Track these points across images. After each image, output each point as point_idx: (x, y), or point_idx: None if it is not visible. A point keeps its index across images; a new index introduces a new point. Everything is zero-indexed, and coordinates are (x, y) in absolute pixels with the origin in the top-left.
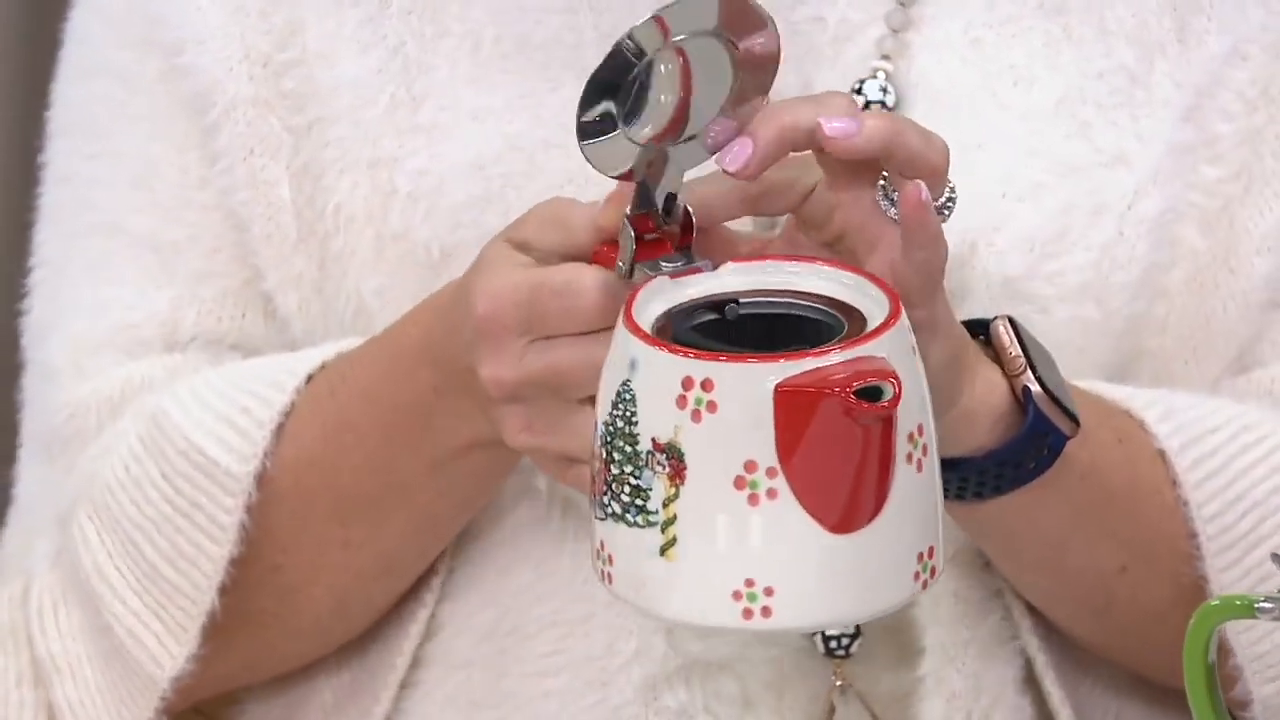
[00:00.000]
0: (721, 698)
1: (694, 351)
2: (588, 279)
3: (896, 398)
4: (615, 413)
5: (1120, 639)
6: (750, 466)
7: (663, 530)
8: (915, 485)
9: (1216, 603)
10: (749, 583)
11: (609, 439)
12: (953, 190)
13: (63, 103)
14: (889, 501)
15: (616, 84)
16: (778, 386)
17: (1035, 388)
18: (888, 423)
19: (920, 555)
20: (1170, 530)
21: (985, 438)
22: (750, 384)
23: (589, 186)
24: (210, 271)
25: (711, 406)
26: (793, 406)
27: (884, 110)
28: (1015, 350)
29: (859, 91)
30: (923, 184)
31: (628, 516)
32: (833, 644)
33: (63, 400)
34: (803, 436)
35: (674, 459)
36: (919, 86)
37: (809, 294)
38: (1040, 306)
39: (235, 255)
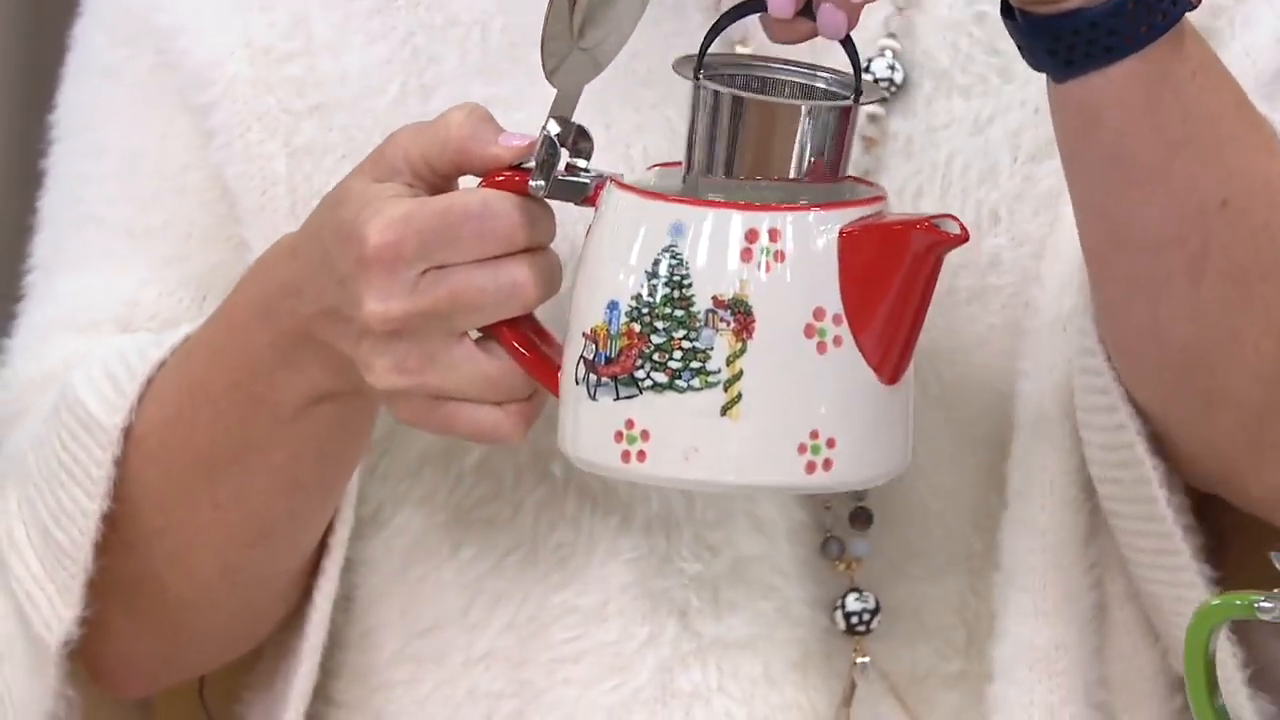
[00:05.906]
0: (741, 677)
1: (756, 205)
2: (505, 200)
3: (965, 230)
4: (654, 282)
5: (1213, 310)
6: (819, 314)
7: (725, 388)
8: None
9: (1217, 602)
10: (814, 434)
11: (641, 312)
12: None
13: (62, 107)
14: (912, 357)
15: None
16: (845, 230)
17: None
18: (937, 264)
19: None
20: (1269, 168)
21: None
22: (819, 229)
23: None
24: (178, 255)
25: (780, 256)
26: (863, 249)
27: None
28: None
29: (867, 70)
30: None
31: (678, 382)
32: (854, 619)
33: (11, 380)
34: (866, 281)
35: (740, 313)
36: (924, 65)
37: None
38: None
39: (207, 239)
